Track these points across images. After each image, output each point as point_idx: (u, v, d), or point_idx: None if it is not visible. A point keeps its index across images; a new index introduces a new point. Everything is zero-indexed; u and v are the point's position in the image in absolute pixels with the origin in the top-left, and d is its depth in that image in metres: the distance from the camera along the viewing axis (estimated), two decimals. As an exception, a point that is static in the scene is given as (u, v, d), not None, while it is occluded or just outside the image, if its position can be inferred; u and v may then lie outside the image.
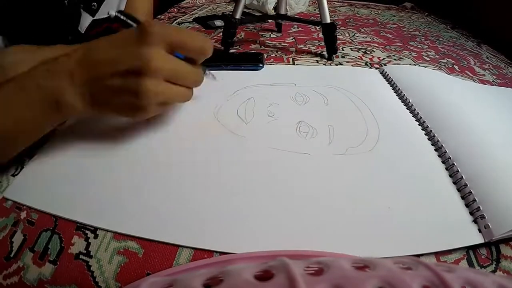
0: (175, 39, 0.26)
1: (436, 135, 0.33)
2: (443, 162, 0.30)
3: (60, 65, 0.25)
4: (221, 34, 0.57)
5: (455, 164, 0.29)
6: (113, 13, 0.30)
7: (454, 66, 0.55)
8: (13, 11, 0.37)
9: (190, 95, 0.31)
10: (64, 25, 0.41)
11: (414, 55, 0.59)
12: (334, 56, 0.54)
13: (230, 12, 0.61)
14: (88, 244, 0.23)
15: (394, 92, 0.42)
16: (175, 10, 0.96)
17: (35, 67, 0.25)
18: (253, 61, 0.49)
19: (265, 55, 0.54)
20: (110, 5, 0.47)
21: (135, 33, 0.25)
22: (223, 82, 0.44)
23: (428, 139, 0.33)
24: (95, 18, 0.45)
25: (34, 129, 0.27)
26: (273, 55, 0.55)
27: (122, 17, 0.31)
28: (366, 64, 0.53)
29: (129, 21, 0.31)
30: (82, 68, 0.25)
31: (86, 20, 0.45)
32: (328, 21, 0.52)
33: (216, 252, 0.22)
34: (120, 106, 0.27)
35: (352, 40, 0.66)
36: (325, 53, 0.55)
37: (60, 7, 0.40)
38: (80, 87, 0.25)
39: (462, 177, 0.27)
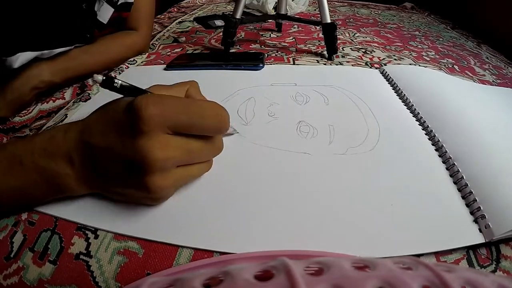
0: (178, 121, 0.21)
1: (436, 135, 0.33)
2: (443, 162, 0.30)
3: (56, 145, 0.23)
4: (221, 34, 0.57)
5: (456, 164, 0.29)
6: (99, 78, 0.21)
7: (454, 66, 0.55)
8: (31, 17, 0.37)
9: (210, 165, 0.27)
10: (81, 26, 0.42)
11: (414, 55, 0.59)
12: (334, 56, 0.54)
13: (230, 12, 0.61)
14: (89, 244, 0.23)
15: (395, 92, 0.42)
16: (175, 9, 0.96)
17: (31, 140, 0.23)
18: (253, 61, 0.49)
19: (265, 55, 0.54)
20: None
21: (127, 117, 0.21)
22: (224, 83, 0.44)
23: (429, 139, 0.33)
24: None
25: (30, 200, 0.25)
26: (273, 55, 0.55)
27: (115, 80, 0.22)
28: (366, 64, 0.53)
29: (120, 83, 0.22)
30: (79, 151, 0.22)
31: (108, 11, 0.47)
32: (328, 21, 0.52)
33: (216, 252, 0.22)
34: (129, 195, 0.24)
35: (352, 40, 0.66)
36: (325, 53, 0.55)
37: (77, 10, 0.41)
38: (80, 171, 0.23)
39: (462, 177, 0.27)
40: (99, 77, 0.21)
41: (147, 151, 0.20)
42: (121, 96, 0.23)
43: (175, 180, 0.23)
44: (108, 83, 0.22)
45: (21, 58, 0.38)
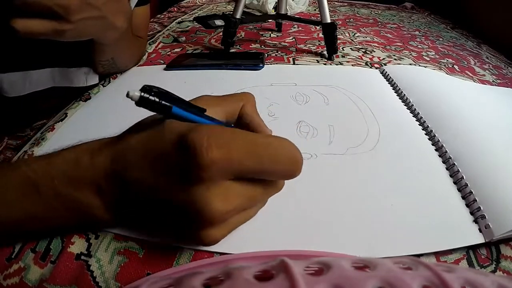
0: (246, 167, 0.17)
1: (436, 135, 0.33)
2: (443, 162, 0.30)
3: (82, 172, 0.19)
4: (221, 33, 0.57)
5: (456, 164, 0.29)
6: (136, 94, 0.17)
7: (454, 66, 0.55)
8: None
9: (264, 204, 0.23)
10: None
11: (414, 55, 0.59)
12: (334, 56, 0.54)
13: (230, 11, 0.61)
14: (89, 245, 0.23)
15: (395, 92, 0.42)
16: (175, 9, 0.96)
17: (49, 162, 0.20)
18: (253, 61, 0.49)
19: (265, 55, 0.54)
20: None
21: (180, 157, 0.17)
22: (224, 83, 0.44)
23: (429, 139, 0.33)
24: None
25: (50, 227, 0.22)
26: (273, 54, 0.55)
27: (152, 98, 0.17)
28: (366, 64, 0.53)
29: (164, 102, 0.18)
30: (110, 181, 0.19)
31: None
32: (328, 21, 0.52)
33: (216, 252, 0.22)
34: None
35: (352, 40, 0.66)
36: (325, 52, 0.55)
37: None
38: (111, 202, 0.20)
39: (462, 177, 0.27)
40: (136, 94, 0.17)
41: (206, 204, 0.17)
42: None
43: (232, 228, 0.20)
44: (147, 102, 0.17)
45: (7, 79, 0.38)
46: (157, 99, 0.17)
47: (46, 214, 0.20)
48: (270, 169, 0.18)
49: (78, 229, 0.23)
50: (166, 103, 0.18)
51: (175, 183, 0.17)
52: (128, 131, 0.21)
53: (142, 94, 0.17)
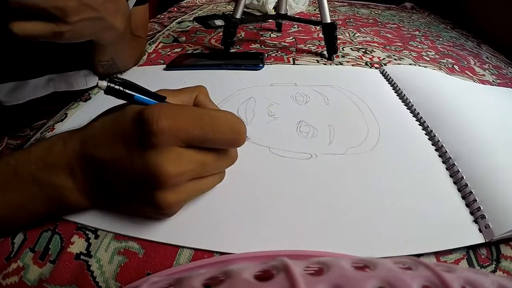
0: (192, 135, 0.20)
1: (436, 135, 0.33)
2: (443, 162, 0.30)
3: (55, 156, 0.21)
4: (221, 33, 0.57)
5: (456, 164, 0.29)
6: (104, 83, 0.20)
7: (454, 66, 0.55)
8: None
9: (222, 177, 0.25)
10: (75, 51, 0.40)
11: (414, 55, 0.59)
12: (334, 56, 0.54)
13: (230, 11, 0.61)
14: (89, 245, 0.23)
15: (395, 92, 0.42)
16: (175, 9, 0.96)
17: (27, 150, 0.22)
18: (253, 61, 0.49)
19: (265, 55, 0.54)
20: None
21: (136, 129, 0.19)
22: (224, 83, 0.44)
23: (429, 139, 0.33)
24: None
25: (31, 216, 0.23)
26: (273, 54, 0.55)
27: (117, 87, 0.20)
28: (366, 64, 0.53)
29: (127, 91, 0.21)
30: (81, 164, 0.21)
31: None
32: (328, 21, 0.52)
33: (216, 252, 0.22)
34: (137, 210, 0.24)
35: (352, 40, 0.66)
36: (325, 52, 0.55)
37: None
38: (82, 184, 0.22)
39: (462, 177, 0.27)
40: (104, 84, 0.20)
41: (159, 166, 0.19)
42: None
43: (188, 195, 0.22)
44: (113, 91, 0.20)
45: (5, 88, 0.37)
46: (121, 88, 0.20)
47: (26, 199, 0.21)
48: (214, 137, 0.21)
49: (57, 217, 0.24)
50: (129, 92, 0.21)
51: (134, 153, 0.20)
52: (95, 119, 0.23)
53: (109, 84, 0.20)
